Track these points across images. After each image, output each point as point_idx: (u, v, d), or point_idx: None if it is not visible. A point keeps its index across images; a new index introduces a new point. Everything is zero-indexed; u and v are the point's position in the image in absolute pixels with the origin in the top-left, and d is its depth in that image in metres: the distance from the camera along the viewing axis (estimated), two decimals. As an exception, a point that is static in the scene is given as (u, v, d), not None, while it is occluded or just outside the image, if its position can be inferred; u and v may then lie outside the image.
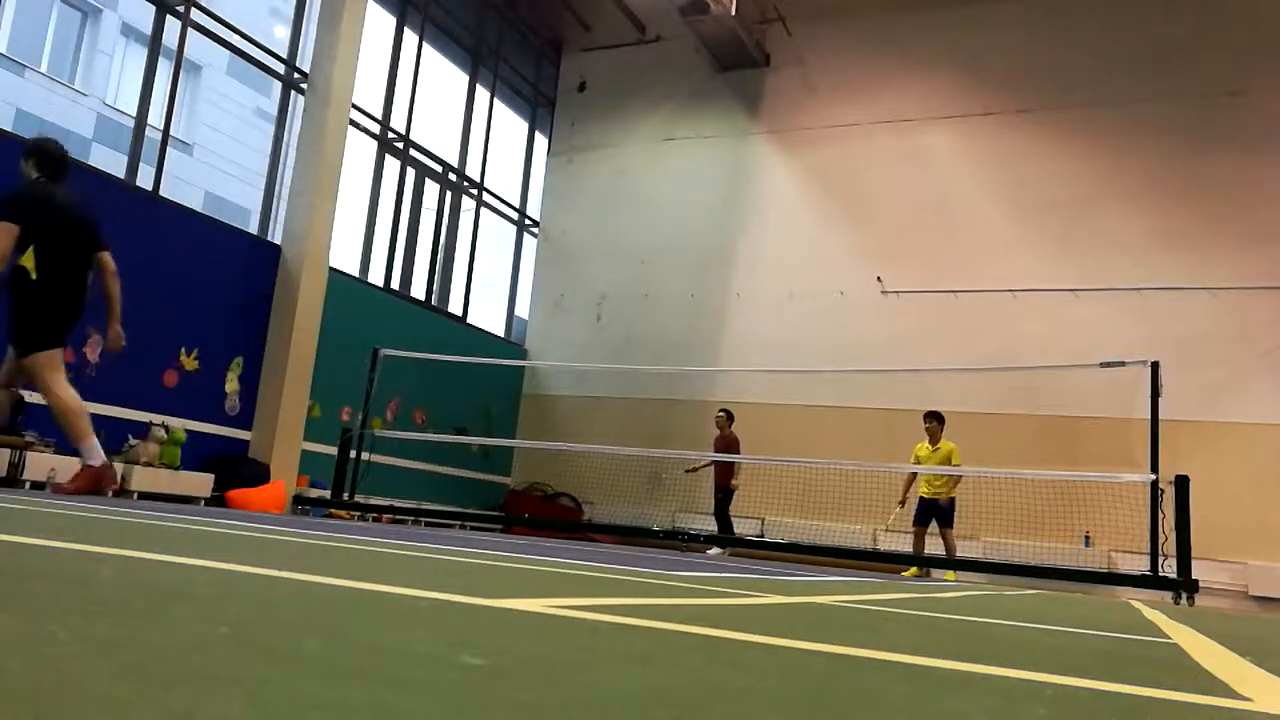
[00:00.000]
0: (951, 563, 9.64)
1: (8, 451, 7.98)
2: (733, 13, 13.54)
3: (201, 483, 9.73)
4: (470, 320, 14.83)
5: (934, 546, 10.22)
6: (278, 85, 12.38)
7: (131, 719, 0.58)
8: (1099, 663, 1.80)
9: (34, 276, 6.09)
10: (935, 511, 10.07)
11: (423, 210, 14.04)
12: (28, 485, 8.03)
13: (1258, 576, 10.81)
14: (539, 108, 16.50)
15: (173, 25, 10.39)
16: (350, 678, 0.80)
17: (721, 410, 11.80)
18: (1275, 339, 11.42)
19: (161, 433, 9.46)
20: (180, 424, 9.81)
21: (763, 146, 14.75)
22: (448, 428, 13.49)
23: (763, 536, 11.82)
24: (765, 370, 13.17)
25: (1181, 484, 8.32)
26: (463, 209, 14.88)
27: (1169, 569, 8.32)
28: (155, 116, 10.45)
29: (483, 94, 15.30)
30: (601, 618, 1.61)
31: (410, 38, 13.78)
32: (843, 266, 13.61)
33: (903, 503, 10.33)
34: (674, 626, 1.60)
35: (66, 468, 8.43)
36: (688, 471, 12.21)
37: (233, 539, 3.28)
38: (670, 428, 13.58)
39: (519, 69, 16.14)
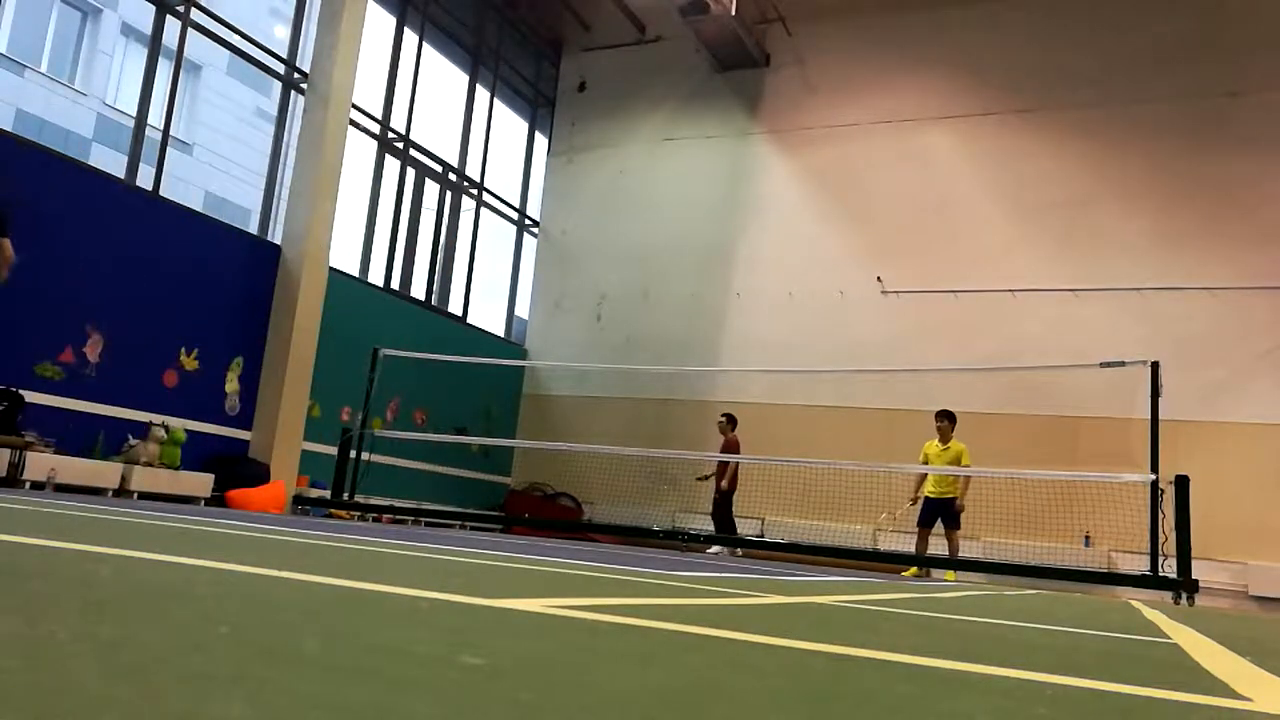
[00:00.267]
0: (951, 563, 9.61)
1: (8, 451, 7.98)
2: (733, 13, 13.54)
3: (201, 483, 9.73)
4: (470, 320, 14.82)
5: (935, 546, 10.18)
6: (278, 85, 12.38)
7: (131, 719, 0.58)
8: (1099, 663, 1.80)
9: None
10: (942, 512, 9.93)
11: (423, 210, 14.04)
12: (28, 485, 8.03)
13: (1258, 576, 10.81)
14: (539, 108, 16.50)
15: (173, 25, 10.39)
16: (350, 678, 0.80)
17: (722, 415, 11.77)
18: (1275, 339, 11.41)
19: (161, 433, 9.46)
20: (180, 424, 9.81)
21: (763, 146, 14.75)
22: (448, 428, 13.49)
23: (763, 536, 11.81)
24: (765, 370, 13.16)
25: (1181, 484, 8.32)
26: (463, 209, 14.88)
27: (1169, 569, 8.31)
28: (155, 116, 10.45)
29: (483, 94, 15.30)
30: (601, 618, 1.61)
31: (410, 38, 13.78)
32: (842, 266, 13.61)
33: (914, 500, 10.19)
34: (674, 626, 1.60)
35: (66, 468, 8.44)
36: (699, 480, 12.16)
37: (233, 539, 3.28)
38: (670, 428, 13.58)
39: (519, 69, 16.14)
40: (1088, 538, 11.35)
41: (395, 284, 13.48)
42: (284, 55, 11.90)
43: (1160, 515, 8.47)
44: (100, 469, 8.83)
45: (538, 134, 16.44)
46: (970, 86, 13.49)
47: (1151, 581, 8.38)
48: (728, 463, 11.43)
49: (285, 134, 12.09)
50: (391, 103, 13.35)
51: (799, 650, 1.43)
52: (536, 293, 15.98)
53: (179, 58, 10.45)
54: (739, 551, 11.00)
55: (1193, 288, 11.75)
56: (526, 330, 15.94)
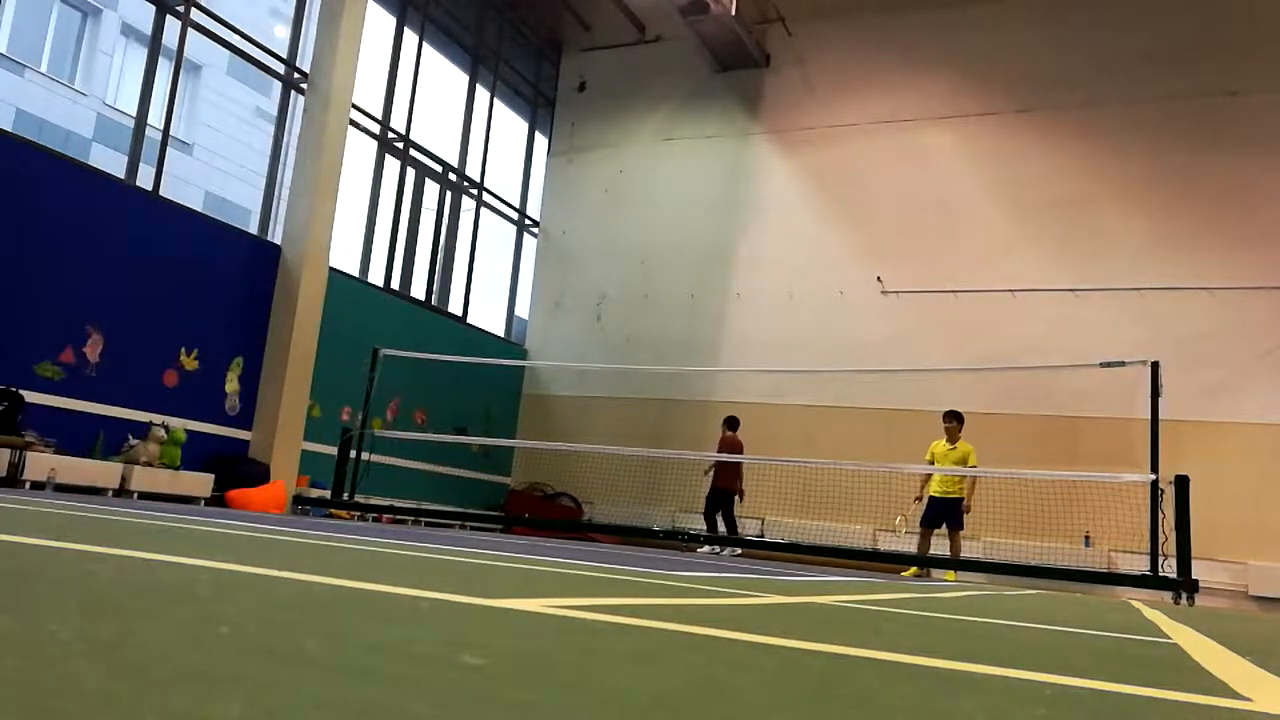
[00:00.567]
0: (952, 563, 9.61)
1: (8, 451, 7.98)
2: (733, 13, 13.54)
3: (201, 483, 9.73)
4: (470, 320, 14.82)
5: (935, 546, 10.16)
6: (278, 85, 12.38)
7: (131, 719, 0.58)
8: (1099, 663, 1.80)
9: None
10: (946, 512, 9.91)
11: (423, 210, 14.04)
12: (28, 485, 8.03)
13: (1258, 576, 10.81)
14: (539, 108, 16.50)
15: (173, 25, 10.39)
16: (350, 678, 0.80)
17: (725, 418, 11.78)
18: (1275, 339, 11.41)
19: (161, 433, 9.46)
20: (180, 424, 9.81)
21: (762, 146, 14.75)
22: (448, 428, 13.49)
23: (763, 536, 11.82)
24: (765, 370, 13.16)
25: (1181, 484, 8.32)
26: (463, 209, 14.88)
27: (1169, 569, 8.31)
28: (155, 116, 10.44)
29: (483, 94, 15.30)
30: (601, 618, 1.61)
31: (410, 38, 13.78)
32: (842, 266, 13.61)
33: (919, 499, 10.16)
34: (674, 626, 1.60)
35: (66, 468, 8.44)
36: (706, 474, 12.15)
37: (233, 539, 3.28)
38: (670, 428, 13.58)
39: (519, 69, 16.14)
40: (1088, 538, 11.35)
41: (395, 284, 13.48)
42: (284, 55, 11.90)
43: (1160, 515, 8.47)
44: (100, 469, 8.82)
45: (538, 134, 16.44)
46: (970, 86, 13.49)
47: (1151, 581, 8.38)
48: (725, 463, 11.43)
49: (285, 134, 12.09)
50: (391, 103, 13.35)
51: (799, 650, 1.43)
52: (536, 293, 15.98)
53: (179, 58, 10.45)
54: (737, 550, 10.99)
55: (1193, 288, 11.75)
56: (526, 330, 15.95)
